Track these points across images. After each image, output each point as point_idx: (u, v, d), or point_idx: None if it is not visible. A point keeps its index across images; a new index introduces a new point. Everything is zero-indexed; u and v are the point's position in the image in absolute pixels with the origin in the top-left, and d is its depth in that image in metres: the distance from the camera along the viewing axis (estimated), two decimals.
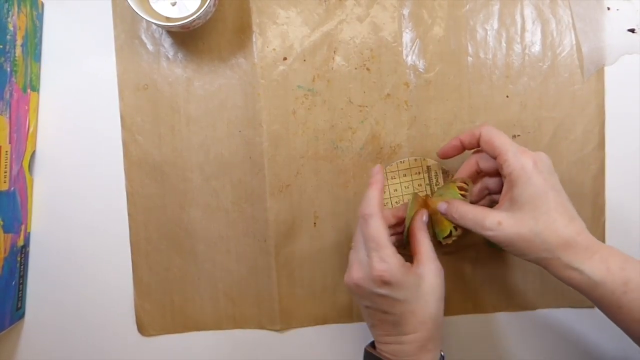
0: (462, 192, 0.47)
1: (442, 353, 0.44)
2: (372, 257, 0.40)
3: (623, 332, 0.40)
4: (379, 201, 0.42)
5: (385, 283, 0.40)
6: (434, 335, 0.42)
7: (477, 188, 0.47)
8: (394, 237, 0.47)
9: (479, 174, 0.47)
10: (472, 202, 0.46)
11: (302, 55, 0.51)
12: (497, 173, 0.45)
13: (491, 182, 0.46)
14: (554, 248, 0.39)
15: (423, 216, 0.45)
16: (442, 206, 0.45)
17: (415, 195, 0.48)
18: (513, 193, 0.40)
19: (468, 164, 0.46)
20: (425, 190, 0.51)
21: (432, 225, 0.48)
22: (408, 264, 0.42)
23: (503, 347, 0.53)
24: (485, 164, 0.45)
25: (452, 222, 0.45)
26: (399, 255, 0.41)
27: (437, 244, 0.47)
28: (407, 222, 0.46)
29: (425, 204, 0.47)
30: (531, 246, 0.39)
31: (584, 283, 0.39)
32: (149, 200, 0.51)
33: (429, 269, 0.42)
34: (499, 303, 0.52)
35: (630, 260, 0.39)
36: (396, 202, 0.51)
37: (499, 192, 0.44)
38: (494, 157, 0.42)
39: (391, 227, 0.47)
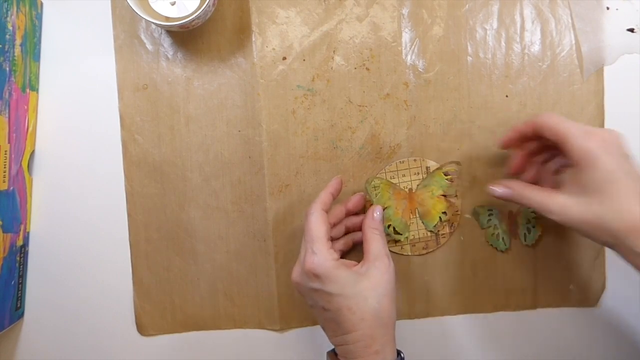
0: (448, 178, 0.50)
1: (402, 355, 0.43)
2: (306, 250, 0.42)
3: None
4: (324, 201, 0.44)
5: (316, 276, 0.41)
6: (377, 333, 0.40)
7: (553, 165, 0.45)
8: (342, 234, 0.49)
9: (522, 141, 0.45)
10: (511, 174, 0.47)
11: (301, 55, 0.51)
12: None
13: (556, 160, 0.45)
14: (618, 234, 0.38)
15: (374, 213, 0.46)
16: (497, 190, 0.44)
17: (386, 183, 0.49)
18: (579, 177, 0.39)
19: (508, 136, 0.46)
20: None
21: (420, 217, 0.51)
22: (350, 262, 0.43)
23: (503, 347, 0.53)
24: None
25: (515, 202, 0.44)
26: (332, 251, 0.42)
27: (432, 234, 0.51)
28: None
29: (409, 196, 0.50)
30: (596, 231, 0.39)
31: None
32: (148, 200, 0.51)
33: (374, 266, 0.42)
34: (499, 303, 0.52)
35: None
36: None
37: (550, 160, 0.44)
38: (559, 143, 0.40)
39: (342, 220, 0.48)
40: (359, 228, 0.48)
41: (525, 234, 0.50)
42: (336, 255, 0.42)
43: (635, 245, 0.37)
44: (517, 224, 0.50)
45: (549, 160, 0.46)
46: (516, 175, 0.47)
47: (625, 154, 0.40)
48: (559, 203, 0.40)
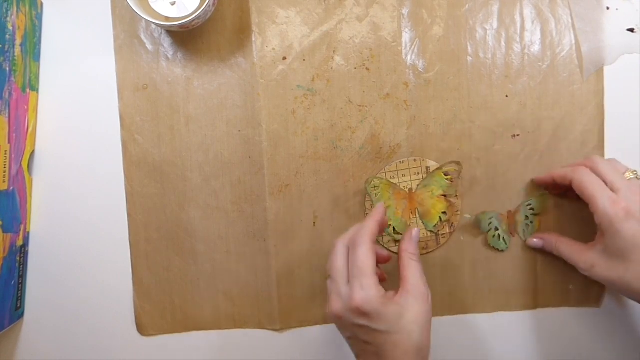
0: (448, 178, 0.50)
1: None
2: (353, 285, 0.40)
3: None
4: (373, 232, 0.42)
5: (364, 314, 0.39)
6: None
7: (555, 190, 0.50)
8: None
9: (556, 184, 0.49)
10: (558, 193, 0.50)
11: (301, 55, 0.51)
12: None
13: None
14: None
15: (412, 234, 0.45)
16: (536, 243, 0.50)
17: (386, 183, 0.50)
18: (605, 240, 0.42)
19: (546, 176, 0.49)
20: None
21: (420, 217, 0.51)
22: (391, 293, 0.41)
23: (503, 347, 0.53)
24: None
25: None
26: (379, 286, 0.40)
27: (431, 234, 0.51)
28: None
29: (409, 196, 0.50)
30: (621, 290, 0.43)
31: None
32: (148, 200, 0.51)
33: (413, 297, 0.41)
34: (498, 303, 0.52)
35: None
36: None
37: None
38: (587, 202, 0.44)
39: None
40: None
41: (524, 230, 0.51)
42: (383, 291, 0.41)
43: None
44: (516, 222, 0.51)
45: None
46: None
47: None
48: (586, 261, 0.44)
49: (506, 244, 0.51)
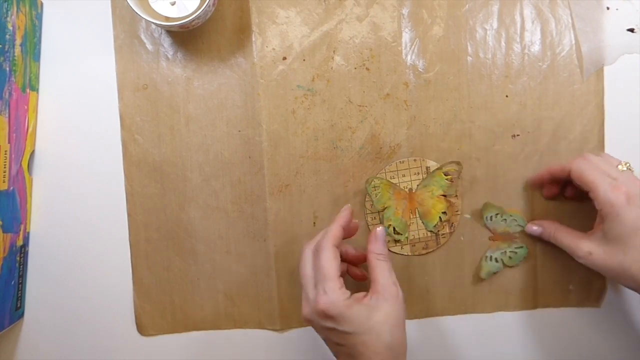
0: (448, 178, 0.50)
1: None
2: (317, 290, 0.41)
3: None
4: (336, 236, 0.43)
5: (329, 317, 0.40)
6: None
7: (549, 190, 0.50)
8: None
9: (553, 180, 0.49)
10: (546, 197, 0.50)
11: (301, 55, 0.51)
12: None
13: (570, 189, 0.49)
14: None
15: (376, 234, 0.44)
16: (534, 229, 0.49)
17: (386, 183, 0.49)
18: (604, 226, 0.42)
19: (541, 174, 0.49)
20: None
21: (420, 217, 0.51)
22: (361, 294, 0.42)
23: (503, 347, 0.53)
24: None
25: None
26: (343, 290, 0.41)
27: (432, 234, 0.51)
28: (379, 209, 0.50)
29: (409, 196, 0.50)
30: (619, 277, 0.42)
31: None
32: (148, 200, 0.51)
33: (383, 298, 0.41)
34: (498, 303, 0.52)
35: None
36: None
37: (575, 198, 0.49)
38: (587, 191, 0.44)
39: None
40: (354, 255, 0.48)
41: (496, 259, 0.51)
42: (348, 293, 0.41)
43: None
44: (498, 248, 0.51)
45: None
46: (533, 188, 0.51)
47: None
48: (585, 249, 0.44)
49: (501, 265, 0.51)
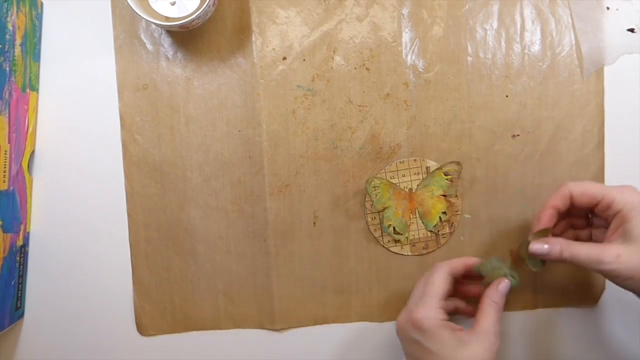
0: (448, 178, 0.50)
1: None
2: (418, 302, 0.43)
3: None
4: (457, 267, 0.45)
5: (419, 328, 0.41)
6: None
7: (559, 227, 0.47)
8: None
9: (560, 217, 0.46)
10: (554, 234, 0.45)
11: (301, 55, 0.51)
12: (580, 214, 0.46)
13: (574, 219, 0.47)
14: None
15: (501, 285, 0.44)
16: (541, 248, 0.43)
17: (386, 183, 0.50)
18: (626, 227, 0.41)
19: (546, 213, 0.45)
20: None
21: (420, 217, 0.51)
22: (458, 326, 0.42)
23: (503, 347, 0.52)
24: (580, 200, 0.44)
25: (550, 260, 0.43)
26: (442, 310, 0.43)
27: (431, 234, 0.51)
28: (379, 209, 0.50)
29: (409, 196, 0.50)
30: None
31: None
32: (148, 200, 0.51)
33: (479, 339, 0.41)
34: None
35: None
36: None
37: (582, 228, 0.47)
38: (593, 206, 0.43)
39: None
40: (470, 294, 0.48)
41: (532, 262, 0.45)
42: (445, 316, 0.42)
43: None
44: (521, 258, 0.46)
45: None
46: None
47: None
48: (612, 253, 0.41)
49: (516, 279, 0.46)
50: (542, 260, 0.45)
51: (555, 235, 0.46)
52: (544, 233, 0.44)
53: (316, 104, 0.51)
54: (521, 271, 0.46)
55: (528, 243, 0.44)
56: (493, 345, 0.41)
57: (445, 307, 0.45)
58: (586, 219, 0.47)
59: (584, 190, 0.43)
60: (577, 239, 0.47)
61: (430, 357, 0.41)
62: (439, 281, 0.44)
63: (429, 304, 0.42)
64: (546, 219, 0.44)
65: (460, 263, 0.46)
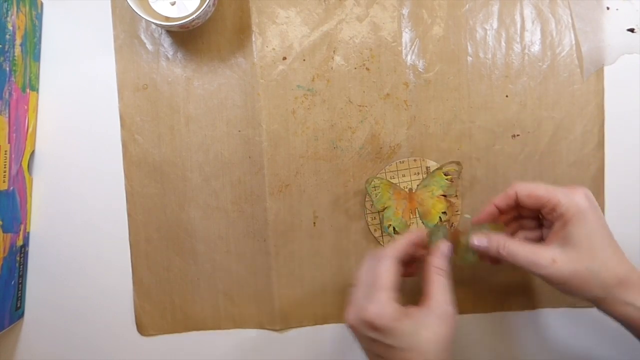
0: (448, 178, 0.50)
1: None
2: (367, 298, 0.39)
3: None
4: (400, 249, 0.41)
5: (375, 328, 0.38)
6: None
7: (510, 227, 0.46)
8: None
9: (500, 216, 0.45)
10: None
11: (301, 55, 0.51)
12: (533, 215, 0.44)
13: (525, 220, 0.46)
14: (609, 286, 0.39)
15: (443, 249, 0.42)
16: (479, 241, 0.42)
17: (386, 183, 0.50)
18: (567, 231, 0.39)
19: (486, 210, 0.44)
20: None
21: (420, 217, 0.51)
22: (411, 308, 0.40)
23: (503, 347, 0.53)
24: (527, 202, 0.42)
25: (486, 258, 0.43)
26: (394, 302, 0.39)
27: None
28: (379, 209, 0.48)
29: (409, 197, 0.49)
30: (586, 284, 0.39)
31: (638, 317, 0.39)
32: (148, 200, 0.51)
33: (435, 315, 0.39)
34: (498, 303, 0.52)
35: None
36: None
37: (533, 229, 0.45)
38: (539, 208, 0.41)
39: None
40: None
41: (463, 256, 0.44)
42: (398, 307, 0.39)
43: (625, 296, 0.38)
44: (459, 243, 0.44)
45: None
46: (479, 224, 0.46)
47: (599, 207, 0.41)
48: (548, 257, 0.39)
49: (474, 254, 0.44)
50: (477, 256, 0.43)
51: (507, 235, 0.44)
52: (493, 228, 0.43)
53: (316, 104, 0.51)
54: (451, 257, 0.43)
55: (470, 233, 0.43)
56: (450, 317, 0.39)
57: (397, 292, 0.41)
58: (539, 220, 0.45)
59: (529, 191, 0.41)
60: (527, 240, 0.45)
61: (391, 351, 0.38)
62: (386, 272, 0.40)
63: (380, 300, 0.38)
64: (483, 215, 0.44)
65: (404, 244, 0.42)
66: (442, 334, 0.39)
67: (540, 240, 0.45)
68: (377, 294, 0.39)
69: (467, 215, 0.51)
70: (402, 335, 0.38)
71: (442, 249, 0.42)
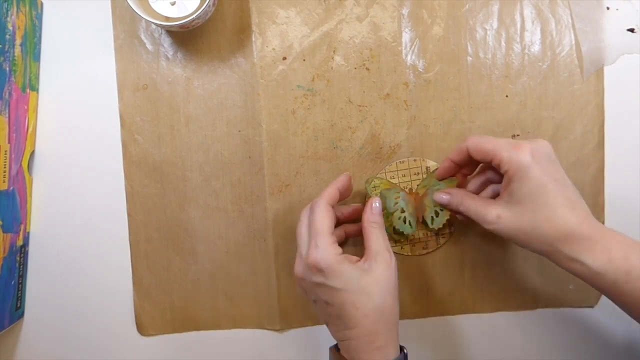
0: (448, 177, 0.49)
1: (405, 350, 0.42)
2: (309, 244, 0.41)
3: (627, 314, 0.41)
4: (331, 196, 0.43)
5: (319, 269, 0.40)
6: (380, 329, 0.40)
7: (478, 180, 0.47)
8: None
9: (459, 170, 0.47)
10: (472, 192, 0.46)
11: (301, 55, 0.51)
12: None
13: (491, 173, 0.46)
14: (553, 241, 0.39)
15: (373, 204, 0.44)
16: (442, 197, 0.46)
17: (386, 183, 0.50)
18: (510, 188, 0.40)
19: (443, 165, 0.47)
20: None
21: (420, 213, 0.50)
22: (353, 257, 0.42)
23: (503, 347, 0.53)
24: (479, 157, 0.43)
25: (452, 212, 0.46)
26: (336, 245, 0.41)
27: (432, 231, 0.51)
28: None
29: (415, 195, 0.49)
30: (531, 239, 0.40)
31: (585, 273, 0.39)
32: (148, 200, 0.51)
33: (375, 262, 0.41)
34: (498, 303, 0.52)
35: (636, 248, 0.38)
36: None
37: (500, 181, 0.44)
38: (489, 162, 0.42)
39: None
40: (353, 219, 0.49)
41: (432, 217, 0.47)
42: (340, 250, 0.41)
43: (570, 251, 0.38)
44: (424, 206, 0.47)
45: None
46: (442, 179, 0.48)
47: (555, 162, 0.41)
48: (494, 213, 0.41)
49: (412, 227, 0.47)
50: (441, 220, 0.46)
51: (473, 191, 0.46)
52: (448, 183, 0.47)
53: (316, 104, 0.51)
54: (418, 224, 0.48)
55: (435, 191, 0.47)
56: (390, 262, 0.42)
57: (337, 239, 0.44)
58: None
59: (477, 145, 0.42)
60: (496, 194, 0.46)
61: (337, 294, 0.40)
62: (321, 217, 0.42)
63: (321, 243, 0.41)
64: (441, 169, 0.47)
65: (334, 190, 0.44)
66: (385, 278, 0.41)
67: None
68: (317, 239, 0.41)
69: None
70: (347, 278, 0.40)
71: (374, 205, 0.44)
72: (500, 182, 0.45)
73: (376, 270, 0.41)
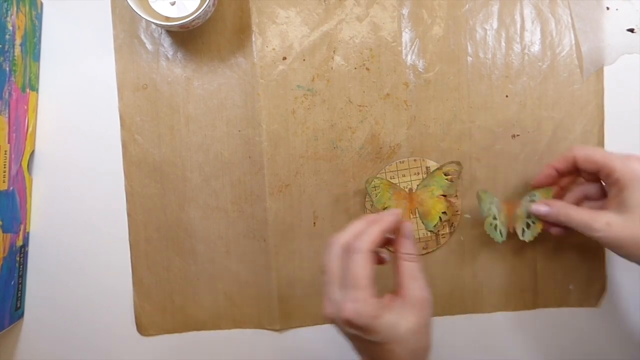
0: (448, 178, 0.50)
1: None
2: (345, 296, 0.38)
3: None
4: (374, 241, 0.39)
5: (355, 327, 0.37)
6: None
7: (575, 194, 0.47)
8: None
9: (559, 179, 0.47)
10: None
11: (301, 55, 0.51)
12: (594, 179, 0.45)
13: (589, 188, 0.46)
14: None
15: (404, 232, 0.41)
16: (541, 208, 0.45)
17: (386, 183, 0.50)
18: (622, 196, 0.41)
19: (545, 172, 0.47)
20: None
21: (420, 217, 0.51)
22: (387, 300, 0.39)
23: (503, 347, 0.53)
24: (585, 167, 0.44)
25: (545, 223, 0.46)
26: (373, 300, 0.38)
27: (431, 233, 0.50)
28: (379, 209, 0.49)
29: (409, 197, 0.49)
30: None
31: None
32: (148, 200, 0.51)
33: (410, 305, 0.39)
34: (498, 303, 0.52)
35: None
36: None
37: (597, 199, 0.45)
38: (597, 172, 0.43)
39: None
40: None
41: (523, 229, 0.47)
42: (376, 304, 0.38)
43: None
44: (516, 216, 0.47)
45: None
46: (538, 187, 0.48)
47: None
48: (603, 221, 0.41)
49: (502, 236, 0.47)
50: (532, 232, 0.47)
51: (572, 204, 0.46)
52: (543, 194, 0.46)
53: (316, 104, 0.51)
54: (511, 233, 0.48)
55: (529, 202, 0.46)
56: (425, 302, 0.39)
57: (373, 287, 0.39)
58: (602, 189, 0.46)
59: (587, 155, 0.43)
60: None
61: (373, 346, 0.39)
62: (362, 267, 0.38)
63: (359, 298, 0.37)
64: (542, 177, 0.46)
65: (378, 234, 0.39)
66: (419, 322, 0.39)
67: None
68: (354, 293, 0.37)
69: (467, 215, 0.51)
70: (382, 331, 0.38)
71: (405, 231, 0.41)
72: (598, 197, 0.45)
73: (411, 315, 0.39)
